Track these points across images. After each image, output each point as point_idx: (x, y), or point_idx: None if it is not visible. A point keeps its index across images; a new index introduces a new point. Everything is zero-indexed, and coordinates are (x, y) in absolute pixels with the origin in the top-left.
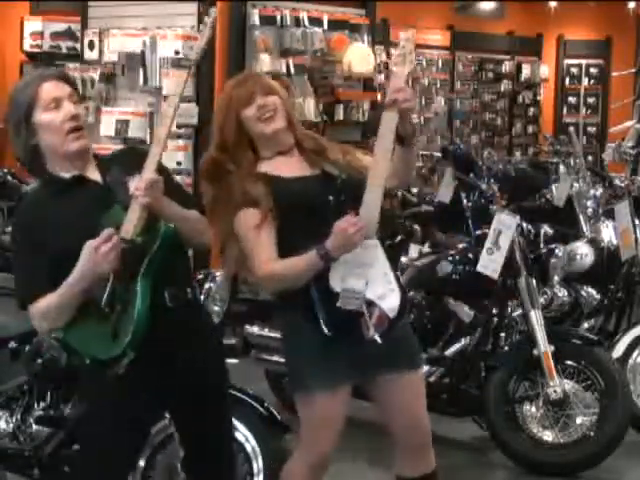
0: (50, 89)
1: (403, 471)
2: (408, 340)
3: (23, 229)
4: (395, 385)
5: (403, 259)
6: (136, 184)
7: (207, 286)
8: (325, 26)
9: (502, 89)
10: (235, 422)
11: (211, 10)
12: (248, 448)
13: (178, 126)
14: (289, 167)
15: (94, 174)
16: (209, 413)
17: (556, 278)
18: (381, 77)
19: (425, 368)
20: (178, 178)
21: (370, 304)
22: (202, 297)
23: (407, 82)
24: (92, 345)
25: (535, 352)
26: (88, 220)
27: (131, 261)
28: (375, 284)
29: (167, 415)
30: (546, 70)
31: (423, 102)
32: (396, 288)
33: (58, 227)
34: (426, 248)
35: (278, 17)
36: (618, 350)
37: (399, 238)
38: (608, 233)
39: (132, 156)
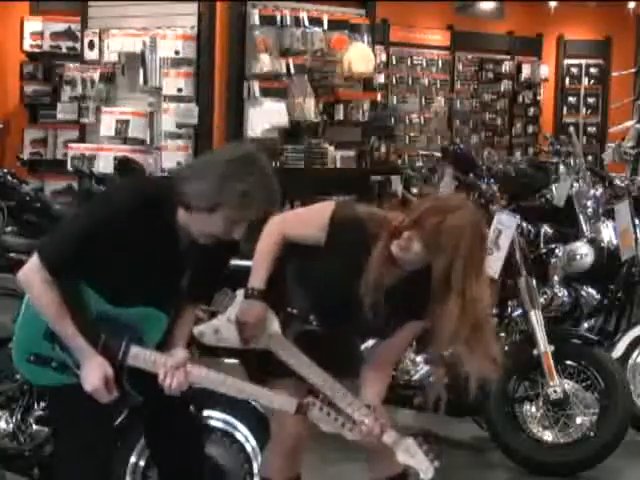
0: (248, 216)
1: (372, 474)
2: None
3: (111, 223)
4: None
5: None
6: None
7: None
8: (325, 26)
9: (502, 89)
10: (235, 422)
11: None
12: (248, 448)
13: (178, 126)
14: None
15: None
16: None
17: (556, 278)
18: (381, 77)
19: (425, 368)
20: None
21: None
22: None
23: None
24: (24, 347)
25: (535, 352)
26: (158, 260)
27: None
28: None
29: None
30: (546, 70)
31: (423, 102)
32: None
33: (134, 238)
34: None
35: (278, 17)
36: (618, 350)
37: None
38: (608, 233)
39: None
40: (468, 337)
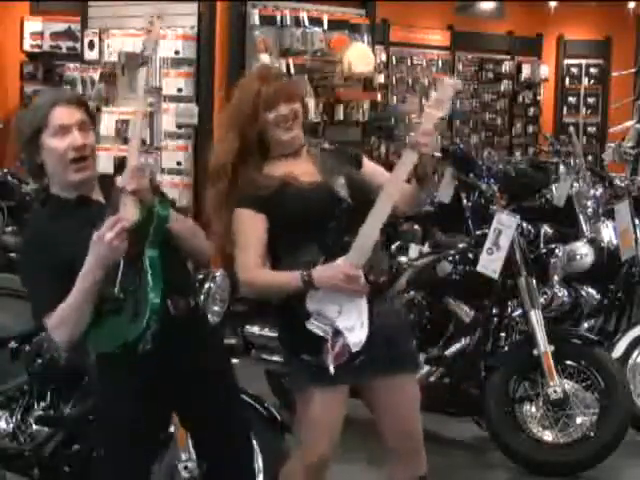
0: (60, 115)
1: (394, 475)
2: (405, 343)
3: (31, 251)
4: (388, 389)
5: (403, 259)
6: (121, 178)
7: (207, 286)
8: (325, 26)
9: (502, 89)
10: None
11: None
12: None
13: (178, 126)
14: (299, 169)
15: (97, 194)
16: (217, 410)
17: (556, 278)
18: (381, 77)
19: (425, 368)
20: (178, 179)
21: (337, 333)
22: (202, 297)
23: (435, 126)
24: (112, 337)
25: (535, 352)
26: (90, 236)
27: (136, 239)
28: (347, 314)
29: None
30: (546, 70)
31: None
32: (366, 323)
33: (63, 245)
34: (426, 248)
35: (278, 17)
36: (618, 350)
37: (398, 244)
38: (608, 233)
39: None
40: None
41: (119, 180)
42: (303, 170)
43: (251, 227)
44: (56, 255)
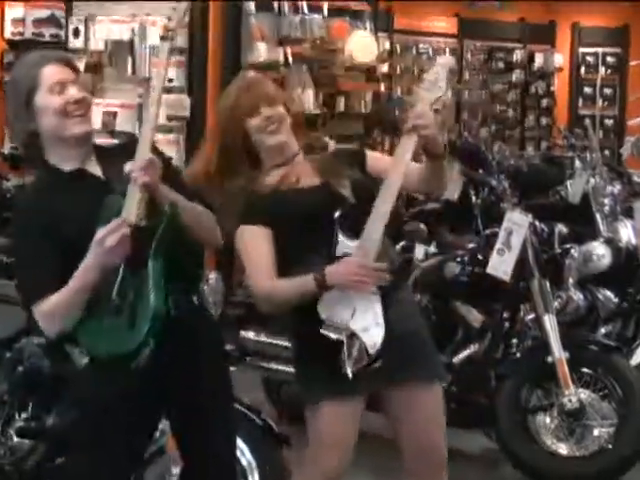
0: (54, 72)
1: None
2: (425, 350)
3: (23, 225)
4: (408, 401)
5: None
6: (131, 165)
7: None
8: (325, 13)
9: (513, 79)
10: None
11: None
12: (244, 462)
13: (169, 118)
14: (296, 174)
15: (94, 167)
16: (209, 416)
17: (571, 280)
18: (384, 67)
19: None
20: None
21: (352, 336)
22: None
23: (431, 108)
24: (105, 341)
25: (549, 359)
26: (88, 213)
27: (139, 245)
28: (362, 315)
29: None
30: (560, 59)
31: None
32: (381, 322)
33: (58, 220)
34: (432, 248)
35: (275, 3)
36: (637, 357)
37: (402, 244)
38: (626, 232)
39: (134, 148)
40: None
41: (128, 166)
42: (300, 174)
43: (256, 242)
44: (53, 229)
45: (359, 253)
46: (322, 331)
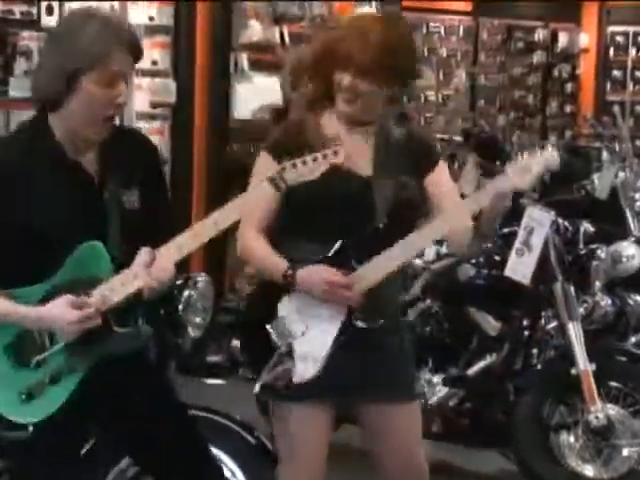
0: (116, 62)
1: None
2: (403, 368)
3: None
4: (385, 418)
5: (417, 262)
6: (147, 263)
7: (187, 293)
8: None
9: (534, 61)
10: (220, 454)
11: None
12: None
13: (153, 105)
14: (350, 147)
15: (90, 160)
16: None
17: (598, 284)
18: None
19: (443, 390)
20: None
21: (288, 354)
22: (181, 307)
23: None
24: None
25: (573, 371)
26: (62, 210)
27: (90, 338)
28: (310, 340)
29: None
30: (586, 39)
31: (441, 77)
32: (321, 361)
33: (23, 201)
34: (444, 249)
35: None
36: None
37: None
38: None
39: (134, 148)
40: None
41: (140, 256)
42: (353, 151)
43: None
44: (15, 203)
45: (352, 278)
46: (268, 327)
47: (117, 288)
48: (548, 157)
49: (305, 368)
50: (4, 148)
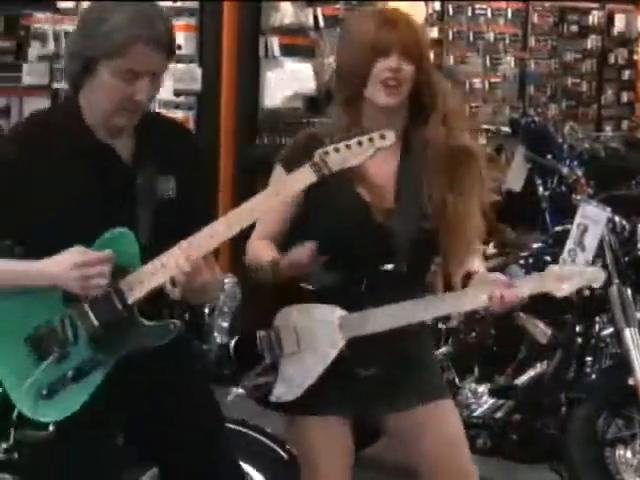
0: (137, 57)
1: None
2: (427, 373)
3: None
4: (414, 422)
5: None
6: (182, 254)
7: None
8: None
9: (589, 46)
10: (251, 471)
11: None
12: None
13: (177, 93)
14: (376, 166)
15: (125, 147)
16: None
17: None
18: (434, 31)
19: (490, 401)
20: None
21: (273, 368)
22: (206, 311)
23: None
24: (10, 380)
25: (630, 381)
26: (89, 196)
27: (115, 331)
28: (298, 363)
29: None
30: None
31: (488, 63)
32: (298, 390)
33: (56, 182)
34: (491, 248)
35: None
36: None
37: None
38: None
39: (171, 135)
40: None
41: (174, 249)
42: (379, 170)
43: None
44: (25, 176)
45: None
46: (259, 332)
47: (146, 278)
48: (597, 275)
49: (286, 391)
50: (33, 126)
